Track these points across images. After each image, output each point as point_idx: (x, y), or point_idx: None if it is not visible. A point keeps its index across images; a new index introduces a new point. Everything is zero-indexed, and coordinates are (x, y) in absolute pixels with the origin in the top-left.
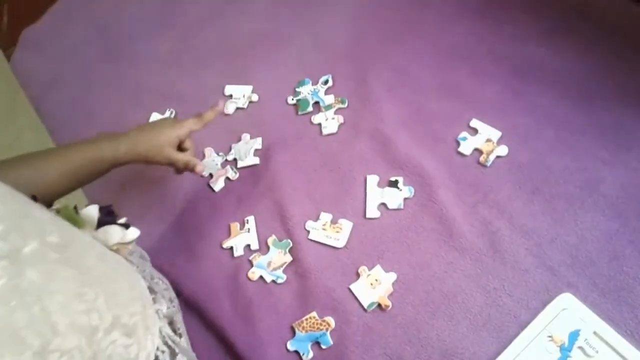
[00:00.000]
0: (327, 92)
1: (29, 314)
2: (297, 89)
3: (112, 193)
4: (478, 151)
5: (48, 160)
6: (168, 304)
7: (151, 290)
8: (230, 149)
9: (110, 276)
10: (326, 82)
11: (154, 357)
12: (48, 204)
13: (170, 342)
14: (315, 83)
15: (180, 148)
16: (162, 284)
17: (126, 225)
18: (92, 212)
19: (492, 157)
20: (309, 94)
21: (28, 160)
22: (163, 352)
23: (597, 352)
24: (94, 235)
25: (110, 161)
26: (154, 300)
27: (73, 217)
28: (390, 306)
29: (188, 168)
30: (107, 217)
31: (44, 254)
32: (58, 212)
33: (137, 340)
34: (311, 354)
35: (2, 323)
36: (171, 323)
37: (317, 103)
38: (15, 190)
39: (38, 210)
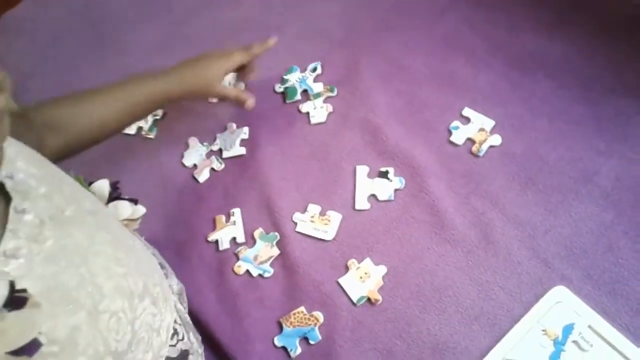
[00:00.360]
0: (315, 80)
1: (79, 274)
2: (284, 77)
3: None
4: (470, 141)
5: (104, 95)
6: (177, 280)
7: (161, 265)
8: (215, 139)
9: (131, 246)
10: (315, 69)
11: (172, 330)
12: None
13: (183, 317)
14: (303, 70)
15: (245, 67)
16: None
17: (134, 201)
18: (103, 186)
19: (485, 147)
20: (297, 81)
21: (81, 96)
22: (180, 325)
23: (591, 346)
24: None
25: (162, 98)
26: (165, 276)
27: (87, 189)
28: (380, 300)
29: (239, 103)
30: (116, 192)
31: (82, 217)
32: None
33: (160, 310)
34: (299, 350)
35: (54, 283)
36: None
37: (305, 91)
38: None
39: (67, 177)
